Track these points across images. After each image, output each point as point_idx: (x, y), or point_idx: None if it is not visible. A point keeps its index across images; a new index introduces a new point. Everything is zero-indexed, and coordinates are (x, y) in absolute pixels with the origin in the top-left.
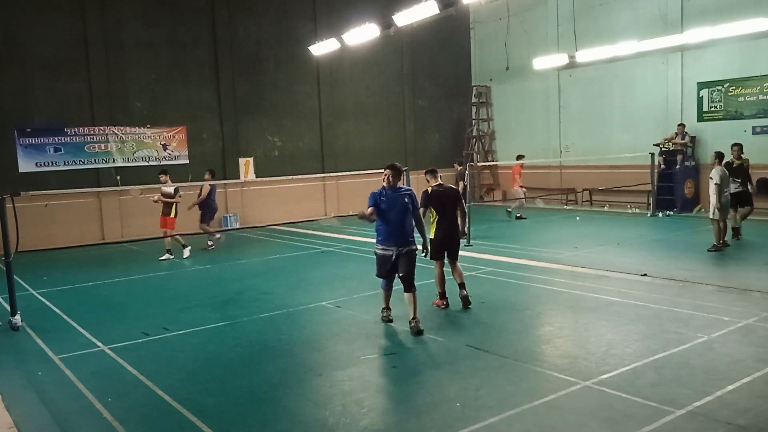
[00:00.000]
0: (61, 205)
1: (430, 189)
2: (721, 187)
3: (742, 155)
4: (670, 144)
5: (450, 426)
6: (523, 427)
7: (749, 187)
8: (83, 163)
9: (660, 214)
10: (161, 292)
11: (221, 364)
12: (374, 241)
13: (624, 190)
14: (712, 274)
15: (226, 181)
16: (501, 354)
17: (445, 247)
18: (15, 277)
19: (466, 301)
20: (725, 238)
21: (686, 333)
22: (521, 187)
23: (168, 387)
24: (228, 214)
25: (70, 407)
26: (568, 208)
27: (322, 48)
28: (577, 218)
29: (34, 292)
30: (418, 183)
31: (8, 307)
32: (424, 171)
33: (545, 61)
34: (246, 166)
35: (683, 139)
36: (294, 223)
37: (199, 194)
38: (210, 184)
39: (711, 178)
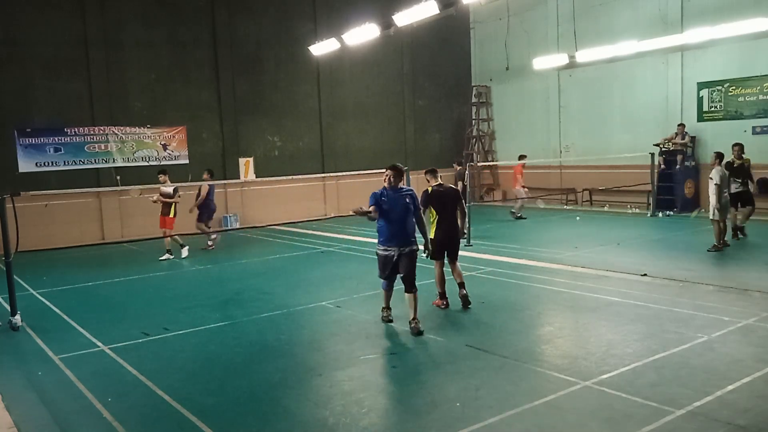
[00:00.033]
0: (61, 205)
1: (430, 189)
2: (720, 188)
3: (743, 155)
4: (670, 144)
5: (450, 426)
6: (523, 427)
7: (750, 186)
8: (83, 163)
9: (660, 214)
10: (161, 292)
11: (221, 364)
12: (375, 241)
13: (624, 190)
14: (712, 274)
15: (226, 181)
16: (501, 354)
17: (445, 246)
18: (15, 277)
19: (465, 301)
20: (725, 238)
21: (686, 333)
22: (523, 187)
23: (168, 387)
24: (228, 214)
25: (70, 407)
26: (568, 208)
27: (322, 48)
28: (577, 218)
29: (34, 292)
30: (418, 183)
31: (8, 307)
32: (424, 171)
33: (545, 61)
34: (246, 166)
35: (683, 139)
36: (294, 223)
37: (198, 195)
38: (209, 184)
39: (711, 179)
